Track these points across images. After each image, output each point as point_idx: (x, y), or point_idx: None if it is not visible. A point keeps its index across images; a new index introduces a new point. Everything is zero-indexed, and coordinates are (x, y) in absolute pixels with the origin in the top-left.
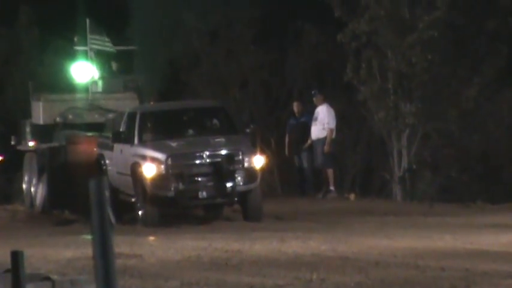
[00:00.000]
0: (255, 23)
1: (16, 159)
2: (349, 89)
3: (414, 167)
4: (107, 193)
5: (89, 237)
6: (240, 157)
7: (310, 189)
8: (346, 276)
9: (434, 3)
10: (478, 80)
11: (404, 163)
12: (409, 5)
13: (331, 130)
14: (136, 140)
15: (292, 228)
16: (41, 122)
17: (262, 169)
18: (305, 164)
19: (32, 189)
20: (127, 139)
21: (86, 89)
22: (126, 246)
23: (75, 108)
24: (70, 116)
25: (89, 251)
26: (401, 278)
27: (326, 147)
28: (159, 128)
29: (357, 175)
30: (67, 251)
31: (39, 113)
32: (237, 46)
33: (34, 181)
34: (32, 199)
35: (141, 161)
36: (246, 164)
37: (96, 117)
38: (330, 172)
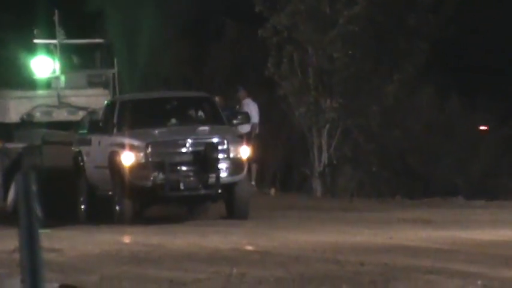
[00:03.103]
0: (177, 19)
1: None
2: (270, 84)
3: (334, 162)
4: (34, 187)
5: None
6: (226, 146)
7: None
8: (266, 270)
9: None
10: (399, 76)
11: (325, 158)
12: (329, 0)
13: (254, 125)
14: (115, 129)
15: (213, 223)
16: (7, 120)
17: (248, 160)
18: None
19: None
20: (105, 129)
21: (48, 85)
22: (46, 240)
23: (43, 105)
24: (38, 114)
25: (7, 245)
26: (321, 273)
27: (249, 142)
28: (139, 117)
29: (278, 170)
30: None
31: (6, 111)
32: (158, 42)
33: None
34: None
35: (119, 150)
36: (231, 154)
37: (65, 115)
38: (253, 167)
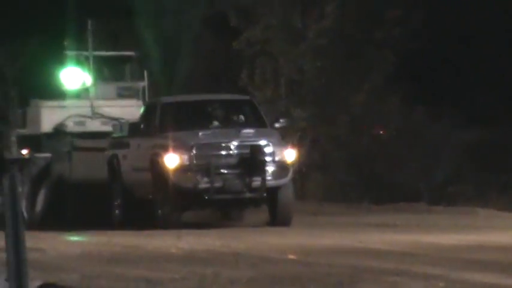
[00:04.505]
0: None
1: None
2: (244, 93)
3: (304, 170)
4: (20, 189)
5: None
6: (271, 150)
7: None
8: (238, 271)
9: (324, 14)
10: (367, 86)
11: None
12: (301, 14)
13: None
14: (157, 130)
15: (189, 225)
16: (40, 130)
17: (294, 164)
18: None
19: (24, 200)
20: (146, 131)
21: (77, 96)
22: (30, 240)
23: (77, 116)
24: (71, 124)
25: None
26: (291, 274)
27: None
28: (182, 119)
29: None
30: None
31: (39, 120)
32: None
33: (26, 190)
34: (24, 209)
35: (162, 152)
36: (276, 158)
37: (98, 126)
38: None
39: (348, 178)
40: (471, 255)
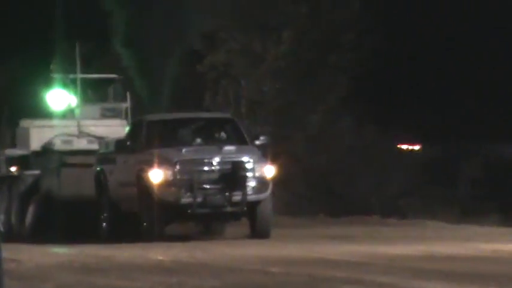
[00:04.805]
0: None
1: None
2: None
3: None
4: None
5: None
6: (251, 166)
7: None
8: (203, 280)
9: (281, 39)
10: (322, 107)
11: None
12: (261, 39)
13: None
14: (143, 147)
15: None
16: (29, 148)
17: (273, 180)
18: None
19: (12, 216)
20: (132, 147)
21: (63, 117)
22: (6, 251)
23: (64, 135)
24: (58, 142)
25: None
26: (252, 282)
27: None
28: (167, 136)
29: None
30: None
31: (28, 139)
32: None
33: (14, 208)
34: (11, 225)
35: (147, 167)
36: (257, 173)
37: (85, 144)
38: None
39: (304, 192)
40: (420, 264)
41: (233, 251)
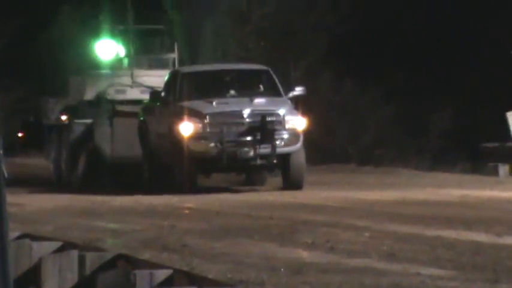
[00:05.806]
0: None
1: (35, 136)
2: None
3: None
4: (1, 151)
5: None
6: (282, 118)
7: None
8: (192, 223)
9: (265, 1)
10: (303, 63)
11: None
12: (246, 1)
13: None
14: (176, 99)
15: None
16: (83, 98)
17: (304, 132)
18: None
19: (63, 165)
20: (166, 99)
21: (111, 67)
22: (9, 196)
23: (118, 84)
24: (112, 92)
25: None
26: (237, 225)
27: None
28: (200, 88)
29: None
30: None
31: (83, 89)
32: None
33: (64, 156)
34: (61, 173)
35: (178, 120)
36: (287, 125)
37: (138, 94)
38: None
39: None
40: (395, 209)
41: (219, 196)
